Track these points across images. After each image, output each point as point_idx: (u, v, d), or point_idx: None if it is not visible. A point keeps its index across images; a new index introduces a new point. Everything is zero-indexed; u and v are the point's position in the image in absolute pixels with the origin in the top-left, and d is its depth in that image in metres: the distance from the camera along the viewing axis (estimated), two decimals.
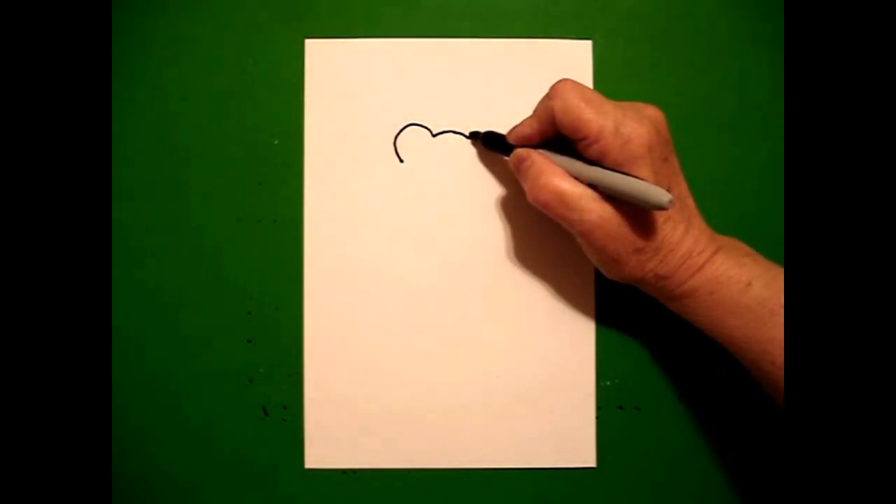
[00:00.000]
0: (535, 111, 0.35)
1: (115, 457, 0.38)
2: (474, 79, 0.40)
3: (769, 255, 0.39)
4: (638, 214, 0.32)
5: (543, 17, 0.40)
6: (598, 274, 0.39)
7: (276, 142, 0.40)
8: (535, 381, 0.39)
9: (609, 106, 0.32)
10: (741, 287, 0.32)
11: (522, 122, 0.36)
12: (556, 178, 0.32)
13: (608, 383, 0.39)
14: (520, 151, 0.35)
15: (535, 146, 0.35)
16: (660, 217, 0.32)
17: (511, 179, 0.39)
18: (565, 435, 0.39)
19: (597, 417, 0.39)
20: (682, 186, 0.34)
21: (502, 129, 0.39)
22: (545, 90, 0.39)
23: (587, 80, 0.39)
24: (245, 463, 0.39)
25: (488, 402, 0.39)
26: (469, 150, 0.39)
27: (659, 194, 0.29)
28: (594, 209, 0.31)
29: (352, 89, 0.40)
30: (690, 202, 0.34)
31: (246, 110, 0.40)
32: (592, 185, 0.32)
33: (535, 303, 0.39)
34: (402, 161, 0.40)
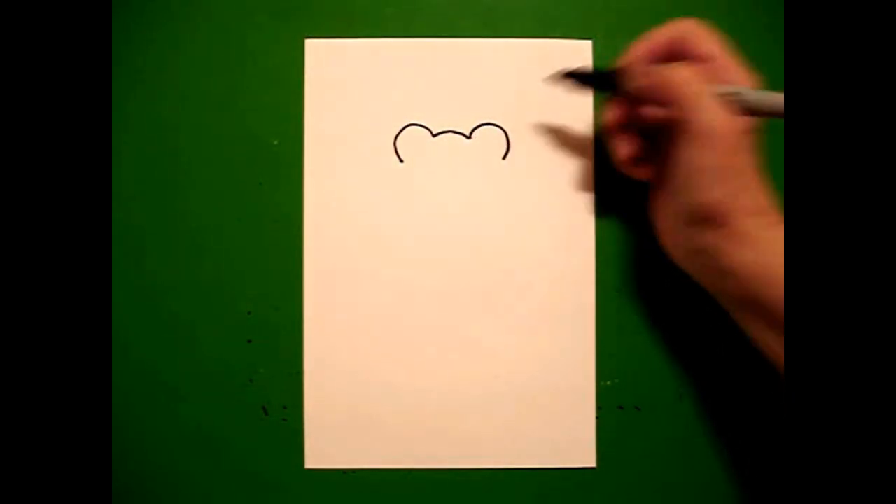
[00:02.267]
0: (655, 33, 0.35)
1: (115, 457, 0.38)
2: (474, 79, 0.40)
3: None
4: (753, 138, 0.33)
5: (543, 17, 0.40)
6: (598, 274, 0.39)
7: (276, 142, 0.40)
8: (535, 381, 0.39)
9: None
10: None
11: (636, 47, 0.35)
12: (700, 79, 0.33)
13: (608, 383, 0.39)
14: (684, 73, 0.33)
15: None
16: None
17: (511, 179, 0.39)
18: (565, 435, 0.39)
19: (597, 417, 0.39)
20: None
21: (501, 129, 0.39)
22: (545, 90, 0.39)
23: None
24: (245, 463, 0.39)
25: (488, 402, 0.39)
26: (469, 151, 0.39)
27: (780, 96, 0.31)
28: (722, 111, 0.32)
29: (352, 89, 0.40)
30: None
31: (246, 110, 0.40)
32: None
33: (535, 303, 0.39)
34: (402, 161, 0.40)
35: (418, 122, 0.40)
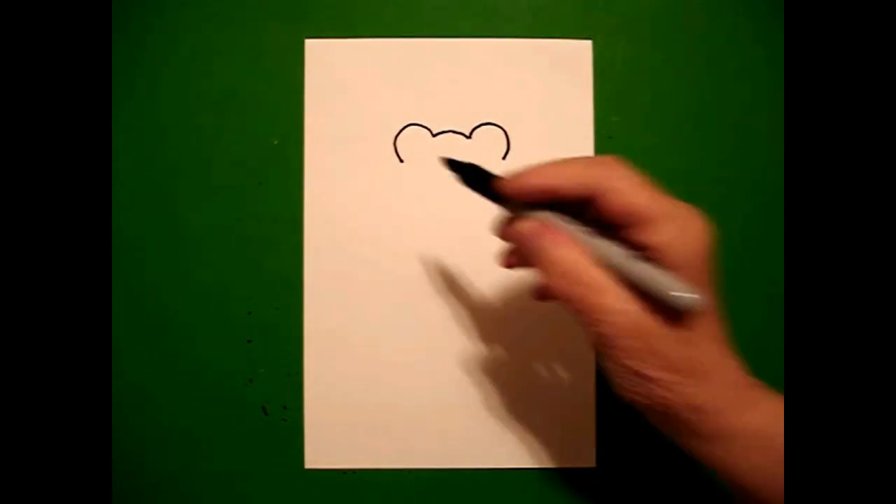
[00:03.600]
0: (562, 173, 0.27)
1: (115, 457, 0.38)
2: (474, 79, 0.40)
3: (769, 255, 0.39)
4: (680, 328, 0.26)
5: (543, 17, 0.40)
6: None
7: (276, 142, 0.40)
8: (535, 380, 0.39)
9: (670, 198, 0.27)
10: None
11: (537, 171, 0.28)
12: (587, 265, 0.26)
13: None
14: (545, 217, 0.28)
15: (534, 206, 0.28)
16: (706, 331, 0.27)
17: None
18: (565, 435, 0.39)
19: (597, 417, 0.39)
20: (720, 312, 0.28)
21: (501, 129, 0.39)
22: (545, 90, 0.39)
23: (587, 80, 0.39)
24: (245, 463, 0.39)
25: (488, 402, 0.39)
26: (469, 151, 0.39)
27: (687, 289, 0.25)
28: (630, 310, 0.25)
29: (352, 89, 0.40)
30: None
31: (246, 110, 0.40)
32: (612, 268, 0.27)
33: (536, 302, 0.39)
34: (402, 161, 0.40)
35: (418, 122, 0.40)
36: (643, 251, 0.26)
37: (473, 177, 0.30)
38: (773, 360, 0.37)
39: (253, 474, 0.39)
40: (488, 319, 0.39)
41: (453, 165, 0.31)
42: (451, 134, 0.40)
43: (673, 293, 0.25)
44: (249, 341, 0.39)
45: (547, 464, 0.39)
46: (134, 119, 0.40)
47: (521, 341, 0.39)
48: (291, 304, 0.39)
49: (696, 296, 0.25)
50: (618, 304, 0.26)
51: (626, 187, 0.26)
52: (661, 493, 0.38)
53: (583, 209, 0.27)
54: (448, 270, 0.39)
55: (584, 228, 0.27)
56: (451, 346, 0.39)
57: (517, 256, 0.32)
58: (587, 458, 0.39)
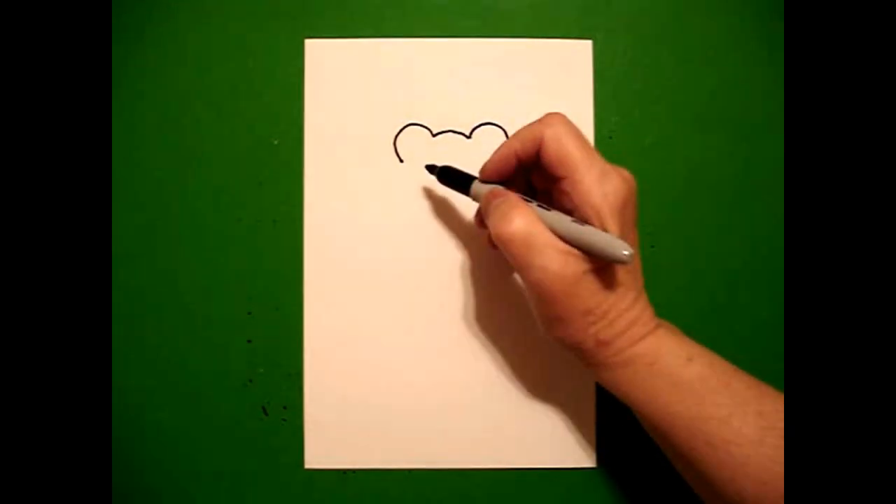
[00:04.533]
0: (517, 135, 0.33)
1: (115, 457, 0.38)
2: (474, 79, 0.40)
3: (769, 255, 0.39)
4: (597, 273, 0.30)
5: (543, 17, 0.40)
6: None
7: (276, 142, 0.40)
8: (536, 381, 0.39)
9: (598, 154, 0.31)
10: (682, 361, 0.30)
11: (498, 149, 0.34)
12: (526, 218, 0.30)
13: None
14: (496, 188, 0.34)
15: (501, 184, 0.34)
16: (615, 280, 0.31)
17: None
18: (565, 435, 0.39)
19: (597, 417, 0.39)
20: (638, 258, 0.33)
21: (501, 129, 0.39)
22: (545, 90, 0.39)
23: (587, 80, 0.39)
24: (245, 463, 0.39)
25: (488, 402, 0.39)
26: (469, 151, 0.39)
27: (620, 246, 0.28)
28: (555, 260, 0.29)
29: (352, 89, 0.40)
30: (641, 276, 0.33)
31: (246, 110, 0.40)
32: (558, 234, 0.31)
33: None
34: (402, 161, 0.40)
35: (418, 122, 0.40)
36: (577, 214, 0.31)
37: (451, 177, 0.37)
38: (773, 360, 0.37)
39: (253, 474, 0.39)
40: (488, 319, 0.39)
41: (431, 169, 0.37)
42: (450, 134, 0.40)
43: (604, 248, 0.28)
44: (249, 341, 0.39)
45: (547, 464, 0.39)
46: (134, 119, 0.40)
47: (522, 341, 0.39)
48: (291, 304, 0.39)
49: (625, 251, 0.28)
50: (545, 258, 0.30)
51: (560, 136, 0.31)
52: (661, 493, 0.38)
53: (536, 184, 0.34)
54: (448, 270, 0.39)
55: (535, 202, 0.32)
56: (451, 346, 0.39)
57: (479, 217, 0.37)
58: (587, 458, 0.39)
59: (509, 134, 0.39)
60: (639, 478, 0.39)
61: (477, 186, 0.35)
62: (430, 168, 0.37)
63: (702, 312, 0.39)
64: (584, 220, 0.30)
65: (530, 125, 0.33)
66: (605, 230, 0.30)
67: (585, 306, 0.30)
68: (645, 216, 0.39)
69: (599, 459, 0.39)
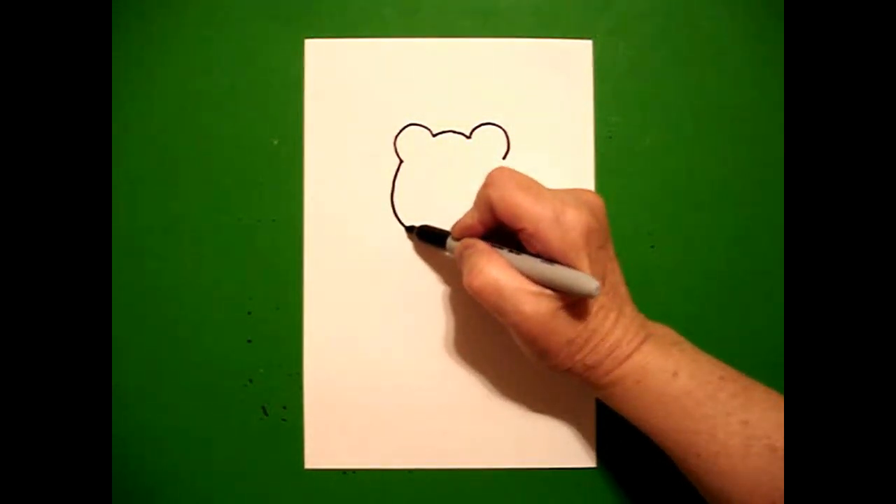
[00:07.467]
0: (475, 202, 0.34)
1: (115, 457, 0.38)
2: (474, 79, 0.40)
3: (769, 256, 0.39)
4: (571, 307, 0.31)
5: (543, 17, 0.40)
6: None
7: (276, 142, 0.40)
8: (536, 381, 0.39)
9: (547, 194, 0.32)
10: (667, 377, 0.31)
11: (465, 214, 0.35)
12: (494, 267, 0.31)
13: None
14: (466, 239, 0.34)
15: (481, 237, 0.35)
16: (592, 307, 0.31)
17: None
18: (565, 435, 0.39)
19: (597, 417, 0.39)
20: (617, 273, 0.33)
21: (501, 129, 0.39)
22: (545, 90, 0.39)
23: (587, 80, 0.39)
24: (245, 463, 0.39)
25: (488, 401, 0.39)
26: (469, 151, 0.39)
27: (587, 282, 0.29)
28: (528, 302, 0.30)
29: (352, 89, 0.40)
30: (623, 289, 0.33)
31: (246, 110, 0.40)
32: (529, 276, 0.31)
33: None
34: (402, 161, 0.39)
35: (418, 122, 0.40)
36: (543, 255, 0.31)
37: (427, 235, 0.38)
38: (773, 361, 0.37)
39: (253, 474, 0.39)
40: (488, 319, 0.39)
41: (409, 230, 0.39)
42: (451, 134, 0.40)
43: (572, 286, 0.29)
44: (249, 341, 0.39)
45: (547, 464, 0.39)
46: (134, 119, 0.40)
47: None
48: (291, 304, 0.39)
49: (592, 285, 0.28)
50: (517, 302, 0.31)
51: (504, 194, 0.32)
52: (661, 493, 0.38)
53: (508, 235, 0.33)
54: (448, 271, 0.39)
55: (504, 249, 0.33)
56: (451, 346, 0.39)
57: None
58: (587, 458, 0.39)
59: (510, 134, 0.39)
60: (639, 478, 0.39)
61: (451, 242, 0.36)
62: (409, 229, 0.39)
63: (701, 312, 0.39)
64: (552, 260, 0.31)
65: (480, 190, 0.34)
66: (574, 267, 0.30)
67: (567, 337, 0.31)
68: (645, 216, 0.39)
69: (599, 459, 0.39)
